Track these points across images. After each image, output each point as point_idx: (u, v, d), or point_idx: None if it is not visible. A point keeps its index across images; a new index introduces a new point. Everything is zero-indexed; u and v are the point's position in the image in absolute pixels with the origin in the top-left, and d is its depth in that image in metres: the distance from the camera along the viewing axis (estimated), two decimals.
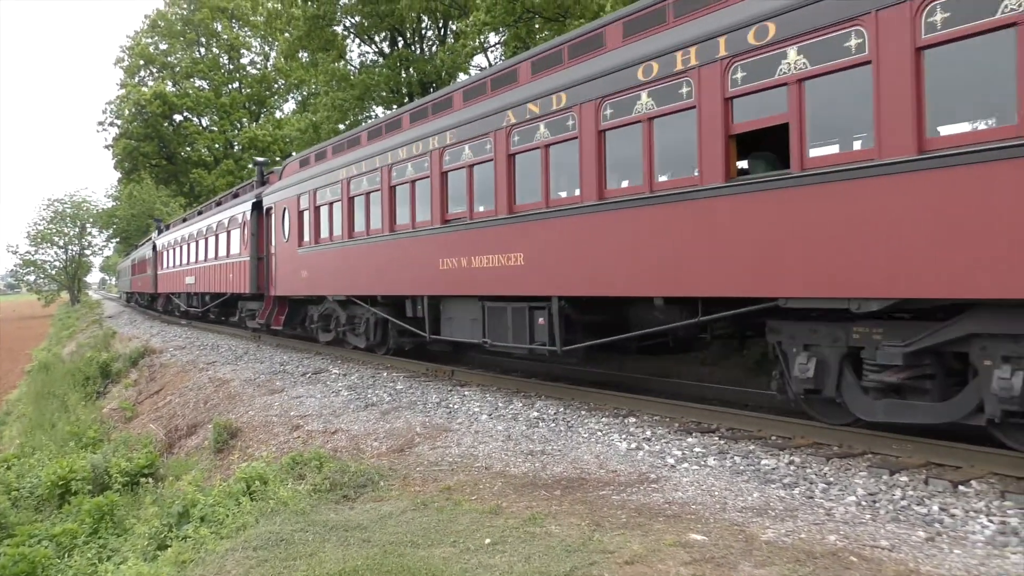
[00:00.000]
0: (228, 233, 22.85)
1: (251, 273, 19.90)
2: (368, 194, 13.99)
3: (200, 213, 29.92)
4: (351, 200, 14.65)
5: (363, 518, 5.68)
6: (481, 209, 10.99)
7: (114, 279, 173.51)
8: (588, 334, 9.68)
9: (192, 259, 28.14)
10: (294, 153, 37.94)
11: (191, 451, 11.82)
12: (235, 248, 21.93)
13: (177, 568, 5.58)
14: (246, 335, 24.06)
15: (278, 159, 48.35)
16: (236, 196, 24.22)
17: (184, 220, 33.64)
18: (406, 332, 13.80)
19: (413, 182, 12.49)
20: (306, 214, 16.75)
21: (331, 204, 15.49)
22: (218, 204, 27.01)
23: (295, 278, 17.26)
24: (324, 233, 15.96)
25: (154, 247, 38.28)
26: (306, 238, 16.78)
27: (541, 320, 9.92)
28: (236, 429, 10.76)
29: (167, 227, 38.95)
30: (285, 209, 17.92)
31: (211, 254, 25.14)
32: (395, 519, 5.60)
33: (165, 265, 34.83)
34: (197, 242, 27.28)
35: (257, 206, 20.12)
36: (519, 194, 10.17)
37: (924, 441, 6.65)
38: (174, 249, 32.14)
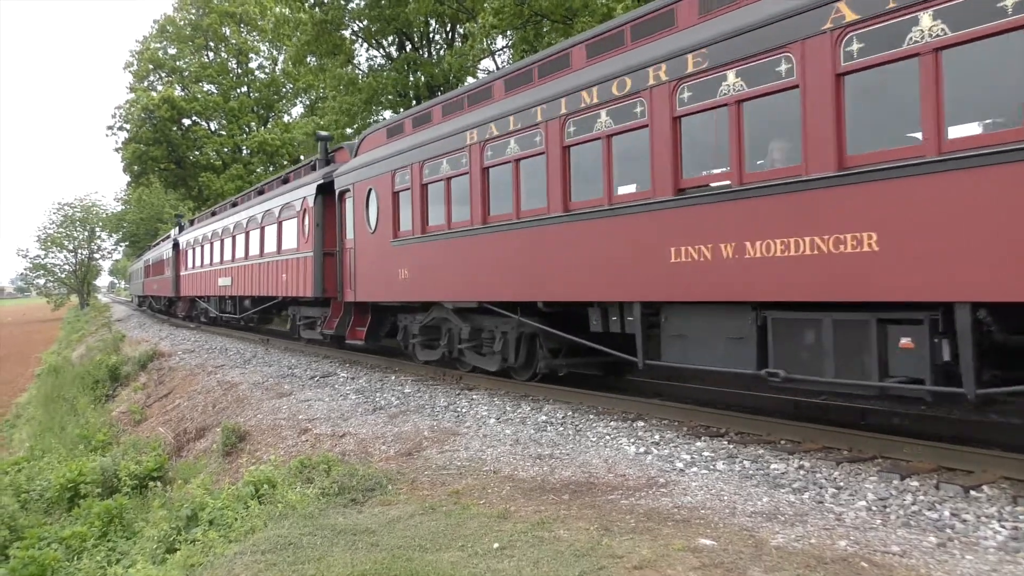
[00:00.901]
0: (280, 225, 19.13)
1: (315, 273, 16.09)
2: (517, 161, 10.20)
3: (235, 205, 26.14)
4: (485, 172, 10.83)
5: (371, 522, 5.67)
6: (770, 162, 7.31)
7: (123, 283, 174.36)
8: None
9: (228, 257, 24.40)
10: (303, 157, 38.00)
11: (200, 454, 11.85)
12: (291, 242, 18.19)
13: (186, 571, 5.58)
14: (255, 339, 24.09)
15: (286, 163, 48.47)
16: (286, 181, 20.35)
17: (214, 214, 29.60)
18: (576, 351, 10.46)
19: (609, 137, 8.73)
20: (405, 196, 12.93)
21: (448, 180, 11.69)
22: (260, 193, 23.24)
23: (387, 278, 13.46)
24: (436, 219, 12.19)
25: (175, 245, 34.45)
26: (405, 227, 12.94)
27: (907, 341, 6.24)
28: (244, 432, 10.77)
29: (191, 223, 35.24)
30: (371, 191, 14.06)
31: (255, 251, 21.25)
32: (403, 523, 5.59)
33: (189, 265, 31.17)
34: (234, 237, 23.53)
35: (324, 189, 16.41)
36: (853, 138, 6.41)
37: (935, 445, 6.62)
38: (202, 247, 28.50)
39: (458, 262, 11.54)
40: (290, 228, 18.31)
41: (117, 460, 11.26)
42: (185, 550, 5.99)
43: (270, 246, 19.92)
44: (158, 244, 46.79)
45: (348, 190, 15.18)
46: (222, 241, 25.24)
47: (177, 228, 37.81)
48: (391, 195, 13.29)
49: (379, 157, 13.88)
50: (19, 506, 10.42)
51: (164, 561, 6.34)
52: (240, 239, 22.94)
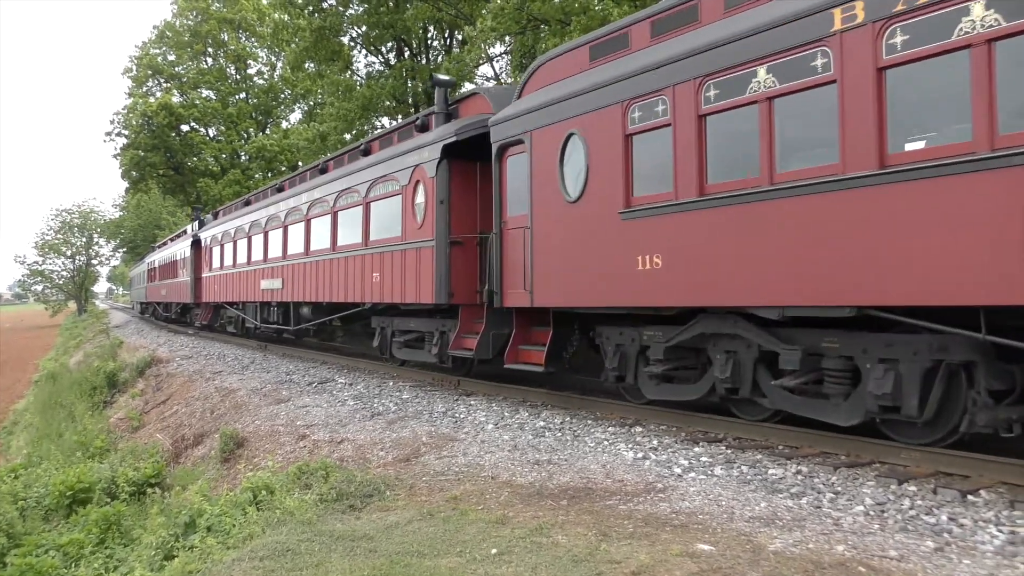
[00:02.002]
0: (367, 208, 14.52)
1: (439, 270, 11.72)
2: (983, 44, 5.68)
3: (281, 190, 21.06)
4: (880, 75, 6.28)
5: (369, 528, 5.67)
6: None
7: (121, 288, 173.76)
8: None
9: (276, 253, 19.76)
10: (301, 163, 38.00)
11: (198, 461, 11.83)
12: (387, 229, 13.67)
13: None
14: (252, 344, 24.05)
15: (284, 168, 48.50)
16: (367, 152, 15.45)
17: (248, 203, 24.48)
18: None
19: None
20: (655, 139, 8.44)
21: (769, 101, 7.12)
22: (322, 171, 17.85)
23: (606, 271, 9.01)
24: (732, 169, 7.63)
25: (196, 243, 29.59)
26: (654, 188, 8.49)
27: None
28: (242, 439, 10.76)
29: (215, 215, 29.99)
30: (571, 138, 9.52)
31: (322, 243, 16.78)
32: (401, 529, 5.59)
33: (215, 265, 26.33)
34: (286, 228, 19.05)
35: (453, 151, 11.82)
36: None
37: (932, 450, 6.62)
38: (234, 243, 23.75)
39: (798, 237, 6.87)
40: (386, 210, 13.78)
41: (115, 467, 11.24)
42: (183, 557, 5.98)
43: (349, 236, 15.39)
44: (165, 244, 41.37)
45: (519, 142, 10.45)
46: (266, 235, 20.60)
47: (196, 223, 31.95)
48: (621, 140, 8.78)
49: (590, 85, 9.26)
50: (17, 513, 10.40)
51: (162, 568, 6.33)
52: (296, 230, 18.41)
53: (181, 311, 36.17)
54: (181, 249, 32.72)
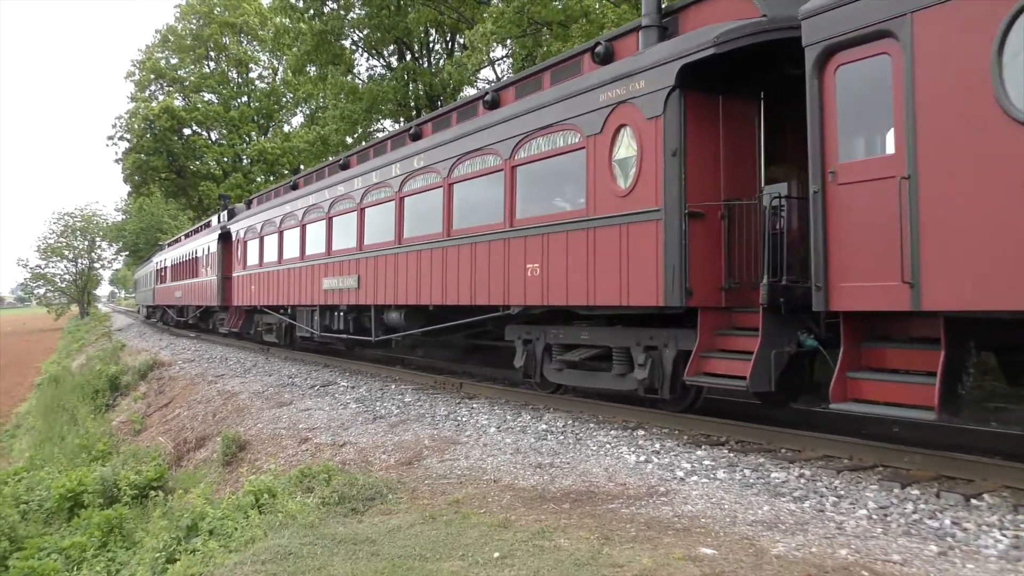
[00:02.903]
0: (511, 173, 10.83)
1: (669, 254, 8.22)
2: None
3: (346, 167, 16.83)
4: None
5: (372, 531, 5.67)
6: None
7: (123, 292, 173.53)
8: None
9: (345, 245, 15.92)
10: (303, 167, 38.04)
11: (200, 464, 11.84)
12: (565, 199, 10.25)
13: None
14: (255, 347, 24.05)
15: (286, 172, 48.58)
16: (494, 104, 11.72)
17: (295, 187, 20.18)
18: None
19: None
20: None
21: None
22: (416, 137, 13.93)
23: None
24: None
25: (225, 237, 25.33)
26: None
27: None
28: (245, 442, 10.76)
29: (249, 204, 25.84)
30: None
31: (427, 227, 12.87)
32: (403, 532, 5.58)
33: (250, 262, 22.51)
34: (363, 212, 15.11)
35: (697, 75, 8.13)
36: None
37: (936, 454, 6.62)
38: (278, 235, 19.93)
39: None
40: (552, 174, 10.36)
41: (117, 470, 11.25)
42: (185, 560, 5.98)
43: (477, 216, 11.63)
44: (179, 241, 37.18)
45: (875, 36, 6.47)
46: (329, 221, 16.70)
47: (225, 214, 27.43)
48: None
49: None
50: (19, 516, 10.40)
51: (164, 571, 6.32)
52: (380, 214, 14.41)
53: (201, 315, 31.28)
54: (204, 244, 28.28)
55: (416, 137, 13.90)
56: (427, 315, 13.49)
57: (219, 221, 27.87)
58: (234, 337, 26.84)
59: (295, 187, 20.00)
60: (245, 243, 23.29)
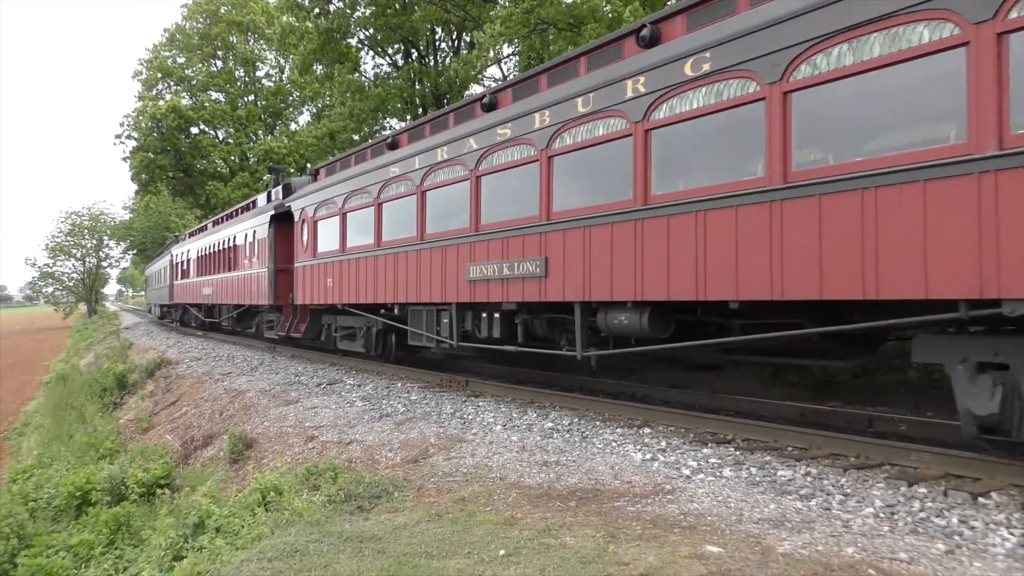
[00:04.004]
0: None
1: None
2: None
3: (490, 107, 11.78)
4: None
5: (377, 529, 5.68)
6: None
7: (131, 290, 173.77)
8: None
9: (505, 214, 11.12)
10: (309, 165, 38.09)
11: (207, 462, 11.87)
12: None
13: None
14: (262, 346, 24.07)
15: (292, 170, 48.67)
16: None
17: (394, 145, 14.62)
18: None
19: None
20: None
21: None
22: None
23: None
24: None
25: (282, 218, 20.04)
26: None
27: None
28: (251, 440, 10.79)
29: (316, 175, 19.21)
30: None
31: (752, 167, 7.52)
32: (409, 530, 5.59)
33: (324, 247, 17.17)
34: (548, 163, 10.15)
35: None
36: None
37: (943, 452, 6.60)
38: (376, 208, 14.62)
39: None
40: None
41: (125, 468, 11.29)
42: (192, 558, 6.00)
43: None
44: (205, 229, 31.76)
45: None
46: (476, 181, 11.60)
47: (279, 189, 21.62)
48: None
49: None
50: (28, 514, 10.46)
51: (171, 569, 6.35)
52: (607, 157, 9.29)
53: (238, 317, 25.70)
54: (248, 230, 22.84)
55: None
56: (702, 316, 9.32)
57: (270, 199, 22.08)
58: (286, 342, 22.20)
59: (394, 145, 14.52)
60: (316, 223, 17.66)
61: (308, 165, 39.89)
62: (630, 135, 8.82)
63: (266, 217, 20.73)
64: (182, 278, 34.70)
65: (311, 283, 17.92)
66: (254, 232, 22.11)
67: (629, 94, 8.76)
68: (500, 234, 11.03)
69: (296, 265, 18.84)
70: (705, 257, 7.87)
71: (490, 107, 11.71)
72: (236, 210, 27.22)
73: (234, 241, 24.73)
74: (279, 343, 23.21)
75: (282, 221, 20.07)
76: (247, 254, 22.93)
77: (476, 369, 15.04)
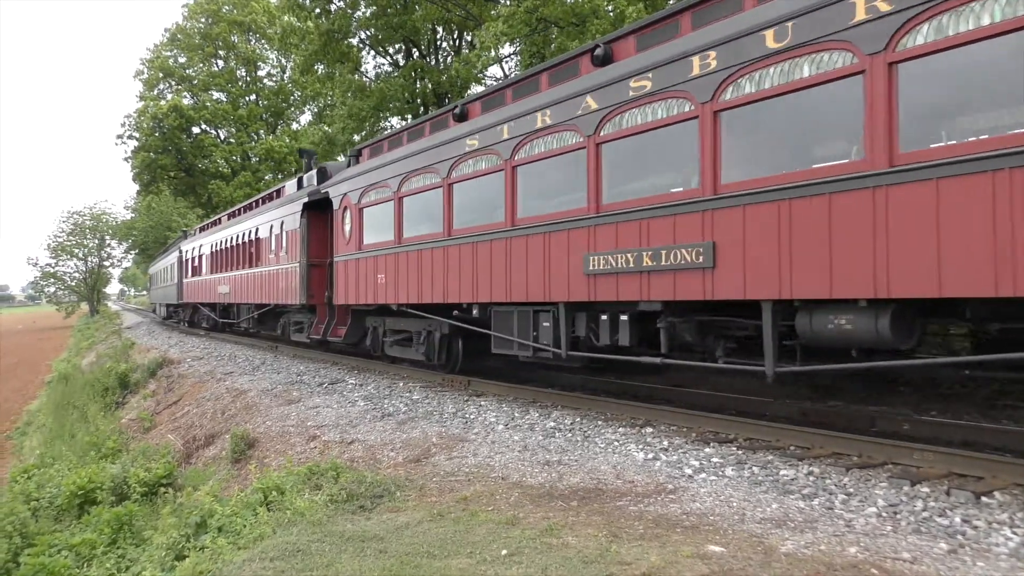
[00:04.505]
0: None
1: None
2: None
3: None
4: None
5: (379, 529, 5.67)
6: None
7: (133, 290, 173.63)
8: None
9: (645, 188, 8.82)
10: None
11: (209, 461, 11.87)
12: None
13: None
14: (264, 345, 24.06)
15: (294, 170, 48.70)
16: None
17: (461, 116, 12.39)
18: None
19: None
20: None
21: None
22: None
23: None
24: None
25: (318, 206, 17.60)
26: None
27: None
28: (253, 439, 10.79)
29: (357, 156, 16.46)
30: None
31: None
32: (411, 530, 5.59)
33: (372, 238, 14.83)
34: (715, 120, 7.79)
35: None
36: None
37: (946, 451, 6.58)
38: (447, 188, 12.23)
39: None
40: None
41: (127, 467, 11.30)
42: (194, 557, 6.00)
43: None
44: (219, 223, 29.07)
45: None
46: (596, 150, 9.35)
47: (314, 174, 18.81)
48: None
49: None
50: (30, 513, 10.47)
51: (173, 568, 6.35)
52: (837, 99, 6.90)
53: (260, 318, 23.56)
54: (275, 220, 20.41)
55: None
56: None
57: (301, 186, 19.67)
58: (320, 346, 19.79)
59: (463, 116, 12.25)
60: (361, 211, 15.15)
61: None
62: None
63: (298, 205, 18.27)
64: (193, 276, 32.24)
65: (355, 280, 15.41)
66: (281, 223, 19.80)
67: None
68: (636, 215, 8.65)
69: (335, 259, 16.40)
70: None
71: (605, 60, 9.52)
72: (258, 200, 24.63)
73: (256, 234, 22.30)
74: (282, 342, 23.18)
75: (316, 210, 17.80)
76: (272, 248, 20.61)
77: (478, 368, 13.74)
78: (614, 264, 8.88)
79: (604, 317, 9.42)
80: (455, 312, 12.56)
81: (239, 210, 27.23)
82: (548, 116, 10.02)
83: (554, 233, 9.90)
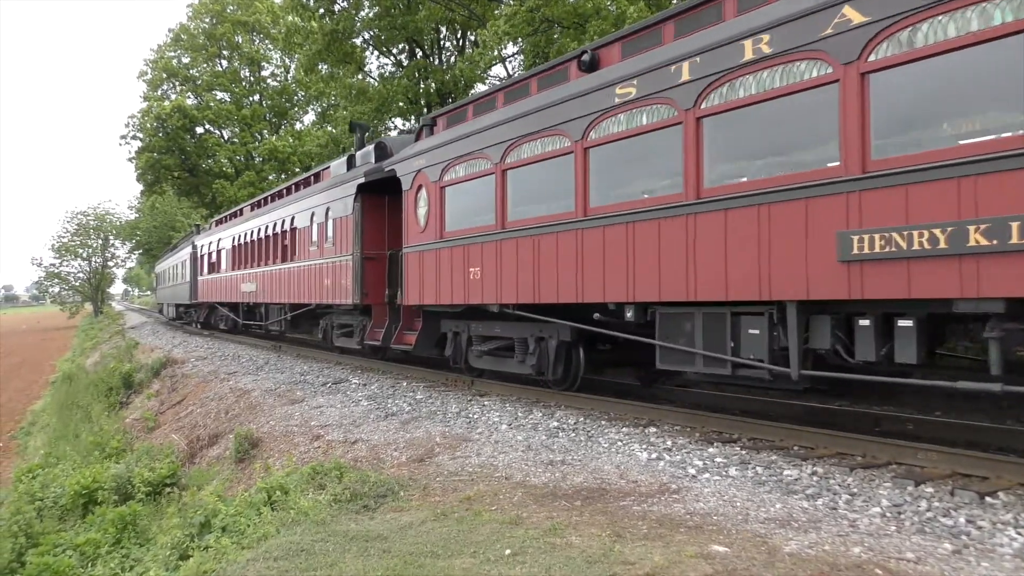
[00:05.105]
0: None
1: None
2: None
3: None
4: None
5: (383, 528, 5.68)
6: None
7: (137, 290, 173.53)
8: None
9: None
10: (313, 165, 38.10)
11: (212, 461, 11.89)
12: None
13: None
14: (267, 345, 24.08)
15: (297, 170, 48.74)
16: None
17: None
18: None
19: None
20: None
21: None
22: None
23: None
24: None
25: (374, 187, 15.17)
26: None
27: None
28: (257, 439, 10.80)
29: (431, 127, 13.51)
30: None
31: None
32: (415, 529, 5.59)
33: (458, 222, 12.12)
34: None
35: None
36: None
37: (950, 451, 6.58)
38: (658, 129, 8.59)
39: None
40: None
41: (131, 467, 11.33)
42: (198, 557, 6.02)
43: None
44: (240, 215, 26.81)
45: None
46: (864, 84, 6.59)
47: (369, 151, 16.02)
48: None
49: None
50: (34, 513, 10.50)
51: (177, 568, 6.38)
52: None
53: (292, 320, 21.22)
54: (317, 208, 17.76)
55: None
56: None
57: (353, 164, 16.78)
58: (371, 356, 16.56)
59: (592, 64, 9.72)
60: (443, 191, 12.38)
61: (312, 164, 39.75)
62: None
63: (351, 188, 15.63)
64: (210, 272, 29.51)
65: (434, 274, 12.64)
66: (326, 210, 17.13)
67: None
68: (952, 171, 5.94)
69: (404, 251, 13.62)
70: None
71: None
72: (290, 187, 21.90)
73: (292, 224, 19.66)
74: (285, 342, 23.15)
75: (371, 193, 15.42)
76: (314, 239, 18.03)
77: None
78: (903, 245, 6.22)
79: (865, 322, 6.93)
80: (595, 315, 9.79)
81: (267, 199, 24.38)
82: (767, 42, 7.30)
83: (778, 205, 7.21)
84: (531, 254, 10.34)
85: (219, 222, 31.21)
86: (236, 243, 25.46)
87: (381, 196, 15.34)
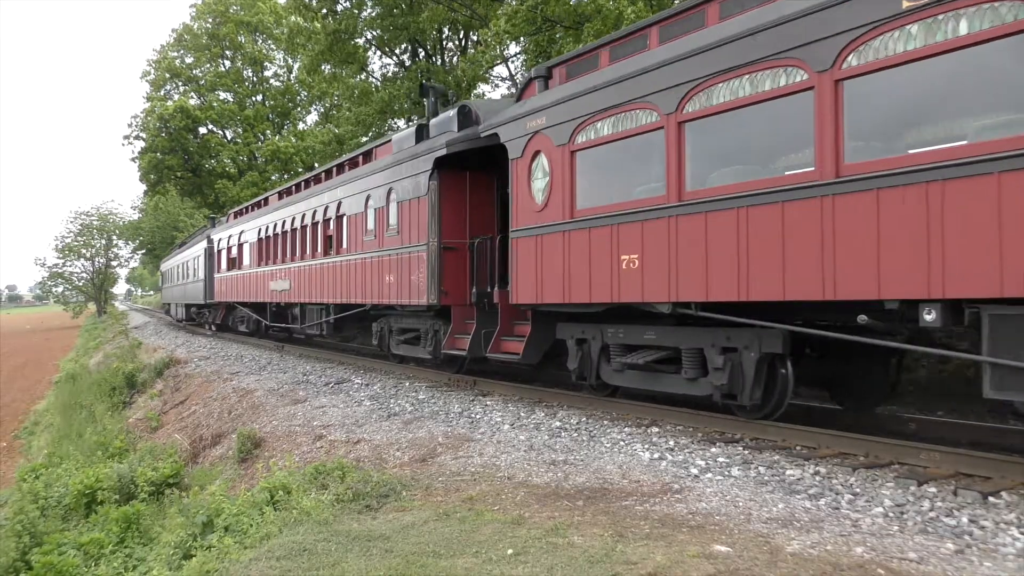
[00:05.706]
0: None
1: None
2: None
3: None
4: None
5: (385, 528, 5.68)
6: None
7: (140, 290, 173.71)
8: None
9: None
10: (316, 165, 38.13)
11: (215, 461, 11.91)
12: None
13: None
14: (269, 345, 24.10)
15: (300, 169, 48.77)
16: None
17: None
18: None
19: None
20: None
21: None
22: None
23: None
24: None
25: (454, 160, 12.35)
26: None
27: None
28: (260, 439, 10.82)
29: (546, 75, 10.67)
30: None
31: None
32: (417, 529, 5.59)
33: (608, 194, 9.35)
34: None
35: None
36: None
37: (953, 451, 6.57)
38: None
39: None
40: None
41: (134, 467, 11.35)
42: (201, 556, 6.03)
43: None
44: (266, 204, 24.22)
45: None
46: None
47: (450, 117, 12.83)
48: None
49: None
50: (38, 512, 10.52)
51: (180, 567, 6.39)
52: None
53: (336, 324, 18.28)
54: (373, 190, 15.03)
55: None
56: None
57: (422, 137, 13.74)
58: (443, 368, 13.98)
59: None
60: (573, 156, 9.82)
61: (316, 164, 39.69)
62: None
63: (426, 162, 12.78)
64: (229, 269, 26.68)
65: (561, 264, 9.99)
66: (388, 192, 14.31)
67: None
68: None
69: (513, 236, 11.03)
70: None
71: None
72: (334, 167, 18.80)
73: (338, 210, 16.84)
74: (289, 342, 23.13)
75: (448, 169, 12.67)
76: (369, 227, 15.21)
77: (482, 368, 13.13)
78: None
79: None
80: (860, 317, 6.91)
81: (300, 184, 21.41)
82: None
83: None
84: (723, 235, 7.70)
85: (239, 213, 28.04)
86: (262, 236, 22.59)
87: (461, 172, 12.83)
